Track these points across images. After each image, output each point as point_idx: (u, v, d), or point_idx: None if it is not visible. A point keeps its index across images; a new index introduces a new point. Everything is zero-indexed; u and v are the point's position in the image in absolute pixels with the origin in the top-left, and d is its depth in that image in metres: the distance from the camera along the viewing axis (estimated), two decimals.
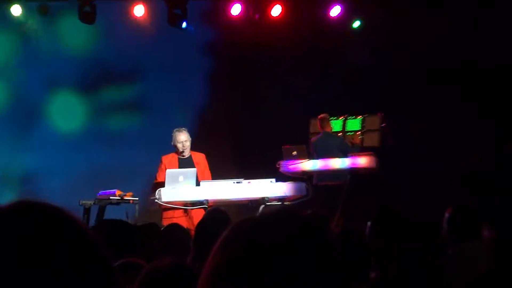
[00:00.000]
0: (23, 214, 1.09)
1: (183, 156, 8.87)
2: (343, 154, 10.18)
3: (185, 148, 8.83)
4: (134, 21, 11.64)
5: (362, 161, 9.91)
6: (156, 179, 8.83)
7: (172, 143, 8.92)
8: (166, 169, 8.68)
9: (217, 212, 5.30)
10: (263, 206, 8.52)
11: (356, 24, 12.19)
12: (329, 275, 1.20)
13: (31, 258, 1.04)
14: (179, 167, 8.77)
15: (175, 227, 5.43)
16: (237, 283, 1.17)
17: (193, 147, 9.02)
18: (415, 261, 3.50)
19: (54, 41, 11.71)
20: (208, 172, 8.96)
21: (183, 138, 8.85)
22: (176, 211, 8.53)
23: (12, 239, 1.05)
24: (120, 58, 11.90)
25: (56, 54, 11.66)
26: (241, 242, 1.21)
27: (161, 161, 8.93)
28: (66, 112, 11.77)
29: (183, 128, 8.99)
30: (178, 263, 2.74)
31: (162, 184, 8.56)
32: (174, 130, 8.97)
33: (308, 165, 9.98)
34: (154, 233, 5.74)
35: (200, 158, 8.98)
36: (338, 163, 9.99)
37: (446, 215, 4.68)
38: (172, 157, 8.92)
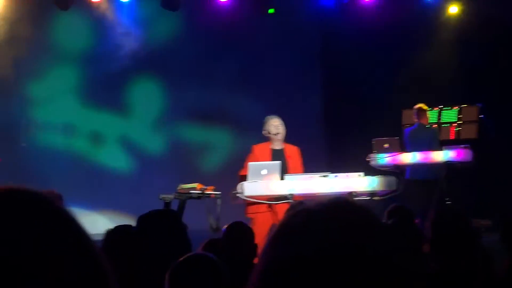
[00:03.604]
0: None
1: (278, 139, 8.38)
2: (434, 147, 9.59)
3: (279, 131, 8.37)
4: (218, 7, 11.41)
5: (458, 154, 9.31)
6: (243, 167, 8.36)
7: (263, 131, 8.47)
8: (257, 160, 8.27)
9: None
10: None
11: (453, 9, 11.63)
12: (387, 271, 1.11)
13: None
14: (272, 159, 8.31)
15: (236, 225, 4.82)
16: (289, 282, 1.10)
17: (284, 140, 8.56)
18: None
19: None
20: (300, 167, 8.48)
21: (277, 122, 8.43)
22: (261, 206, 8.11)
23: None
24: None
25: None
26: (292, 238, 1.14)
27: (251, 151, 8.47)
28: (146, 103, 11.57)
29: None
30: (203, 255, 2.77)
31: (246, 177, 8.13)
32: (266, 117, 8.53)
33: (401, 158, 9.47)
34: None
35: (293, 151, 8.51)
36: (432, 156, 9.46)
37: None
38: (264, 147, 8.45)
